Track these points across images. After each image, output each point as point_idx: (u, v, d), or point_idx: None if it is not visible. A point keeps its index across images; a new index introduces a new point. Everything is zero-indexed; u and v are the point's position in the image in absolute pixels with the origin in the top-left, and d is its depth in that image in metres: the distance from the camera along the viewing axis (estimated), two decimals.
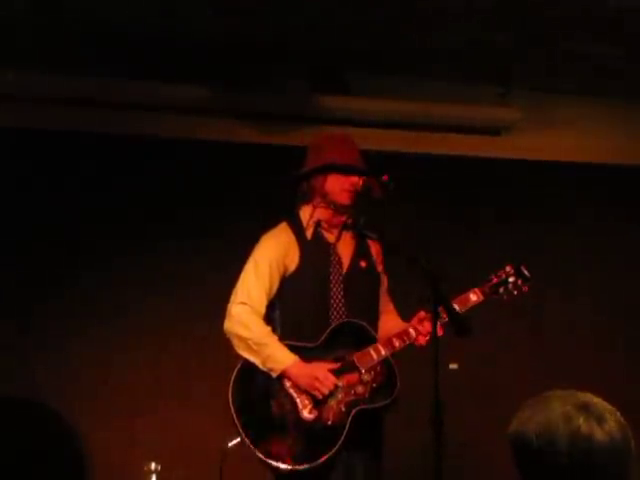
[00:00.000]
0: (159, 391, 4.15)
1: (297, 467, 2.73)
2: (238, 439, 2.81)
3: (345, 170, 2.96)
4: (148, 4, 3.72)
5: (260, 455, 2.74)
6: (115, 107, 4.27)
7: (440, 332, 2.71)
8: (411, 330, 2.92)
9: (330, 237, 3.05)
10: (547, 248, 4.64)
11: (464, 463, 4.00)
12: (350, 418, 2.79)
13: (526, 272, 3.04)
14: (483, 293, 2.99)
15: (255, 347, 2.84)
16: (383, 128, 4.57)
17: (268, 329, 2.90)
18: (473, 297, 2.98)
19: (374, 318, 3.04)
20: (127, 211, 4.29)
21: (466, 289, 3.00)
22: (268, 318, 2.97)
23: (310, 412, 2.80)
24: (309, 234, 3.01)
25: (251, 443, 2.75)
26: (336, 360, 2.87)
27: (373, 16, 3.89)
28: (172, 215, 4.31)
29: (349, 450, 2.81)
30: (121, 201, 4.30)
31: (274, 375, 2.82)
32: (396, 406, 2.89)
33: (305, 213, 3.05)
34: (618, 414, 1.42)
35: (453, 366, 4.01)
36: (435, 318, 2.60)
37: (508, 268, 3.05)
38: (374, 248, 3.12)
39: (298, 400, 2.81)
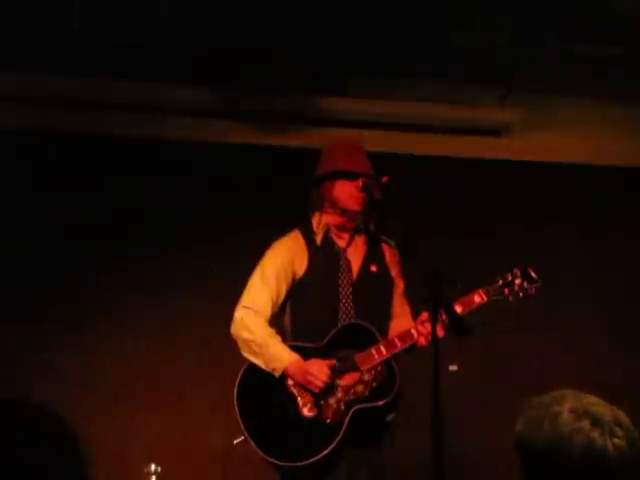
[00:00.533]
0: (159, 392, 4.15)
1: (296, 464, 2.76)
2: (242, 437, 2.84)
3: (351, 176, 2.97)
4: (148, 5, 3.72)
5: (262, 453, 2.79)
6: (115, 108, 4.27)
7: (441, 333, 2.71)
8: (413, 331, 2.92)
9: (341, 242, 3.07)
10: (547, 249, 4.63)
11: (464, 463, 3.99)
12: (348, 417, 2.81)
13: (533, 274, 3.04)
14: (487, 294, 2.99)
15: (257, 349, 2.89)
16: (383, 129, 4.57)
17: (270, 331, 2.93)
18: (477, 299, 2.98)
19: (384, 322, 3.05)
20: (127, 212, 4.29)
21: (465, 289, 3.00)
22: (279, 323, 3.01)
23: (310, 410, 2.83)
24: (319, 239, 3.04)
25: (253, 441, 2.80)
26: (338, 360, 2.88)
27: (373, 17, 3.89)
28: (172, 216, 4.31)
29: (351, 448, 2.83)
30: (121, 202, 4.30)
31: (277, 375, 2.86)
32: (397, 406, 2.90)
33: (316, 219, 3.09)
34: (628, 422, 1.41)
35: (453, 367, 4.00)
36: (434, 318, 2.59)
37: (515, 270, 3.05)
38: (388, 252, 3.13)
39: (299, 398, 2.85)
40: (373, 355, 2.87)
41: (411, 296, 3.12)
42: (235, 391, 2.86)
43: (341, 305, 2.96)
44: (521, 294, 3.02)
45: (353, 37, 4.12)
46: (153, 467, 3.07)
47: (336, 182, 3.00)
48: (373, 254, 3.09)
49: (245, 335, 2.91)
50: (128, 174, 4.33)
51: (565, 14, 3.88)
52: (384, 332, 2.99)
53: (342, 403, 2.83)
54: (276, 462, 2.78)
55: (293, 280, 3.00)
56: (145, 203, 4.32)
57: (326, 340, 2.90)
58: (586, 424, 1.38)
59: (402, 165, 4.34)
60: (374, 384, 2.87)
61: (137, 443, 4.04)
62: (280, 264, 2.98)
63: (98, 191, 4.27)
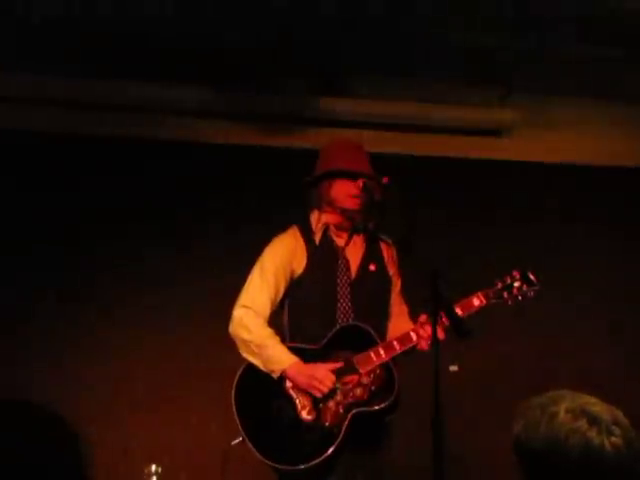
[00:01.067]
0: (160, 392, 4.15)
1: (294, 467, 2.74)
2: (240, 438, 2.82)
3: (349, 175, 2.97)
4: (149, 5, 3.72)
5: (260, 455, 2.77)
6: (115, 109, 4.27)
7: (442, 335, 2.71)
8: (412, 334, 2.91)
9: (339, 241, 3.06)
10: (547, 249, 4.63)
11: (465, 464, 3.99)
12: (347, 420, 2.79)
13: (532, 277, 3.04)
14: (486, 297, 2.99)
15: (256, 349, 2.87)
16: (383, 130, 4.57)
17: (269, 331, 2.91)
18: (476, 301, 2.97)
19: (382, 321, 3.04)
20: (128, 212, 4.29)
21: (467, 291, 3.00)
22: (277, 321, 3.00)
23: (309, 413, 2.81)
24: (317, 238, 3.04)
25: (251, 443, 2.78)
26: (337, 362, 2.87)
27: (374, 17, 3.89)
28: (173, 216, 4.32)
29: (350, 453, 2.82)
30: (122, 203, 4.30)
31: (275, 376, 2.84)
32: (395, 410, 2.89)
33: (315, 218, 3.08)
34: (625, 422, 1.41)
35: (453, 368, 4.00)
36: (435, 320, 2.59)
37: (514, 273, 3.04)
38: (386, 251, 3.13)
39: (297, 401, 2.83)
40: (372, 358, 2.86)
41: (410, 296, 3.12)
42: (233, 391, 2.84)
43: (339, 304, 2.95)
44: (520, 297, 3.02)
45: (354, 38, 4.12)
46: (153, 467, 3.06)
47: (334, 181, 3.00)
48: (372, 253, 3.08)
49: (244, 335, 2.89)
50: (128, 174, 4.33)
51: (565, 14, 3.87)
52: (382, 332, 2.99)
53: (341, 406, 2.82)
54: (275, 465, 2.76)
55: (292, 278, 2.99)
56: (145, 203, 4.32)
57: (324, 341, 2.89)
58: (583, 423, 1.39)
59: (402, 165, 4.34)
60: (373, 387, 2.86)
61: (137, 443, 4.04)
62: (279, 262, 2.97)
63: (98, 191, 4.28)
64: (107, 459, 4.04)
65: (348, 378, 2.85)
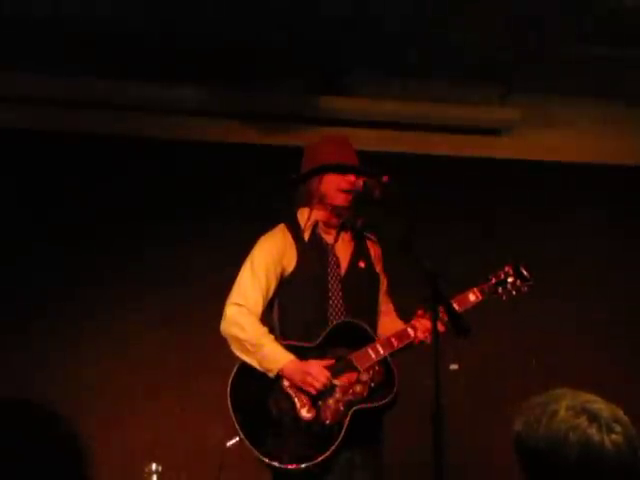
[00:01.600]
0: (159, 391, 4.15)
1: (295, 466, 2.72)
2: (237, 438, 2.79)
3: (338, 170, 2.95)
4: (148, 4, 3.72)
5: (258, 454, 2.74)
6: (115, 108, 4.27)
7: (441, 328, 2.70)
8: (409, 330, 2.91)
9: (328, 238, 3.04)
10: (547, 248, 4.63)
11: (465, 463, 3.99)
12: (348, 417, 2.78)
13: (525, 272, 3.04)
14: (482, 293, 3.00)
15: (251, 348, 2.84)
16: (383, 129, 4.58)
17: (264, 329, 2.89)
18: (472, 297, 2.98)
19: (373, 318, 3.03)
20: (127, 211, 4.30)
21: (465, 289, 3.00)
22: (267, 319, 2.97)
23: (308, 411, 2.79)
24: (306, 235, 3.01)
25: (249, 442, 2.75)
26: (336, 360, 2.86)
27: (373, 17, 3.89)
28: (172, 215, 4.31)
29: (349, 450, 2.80)
30: (121, 201, 4.31)
31: (271, 375, 2.82)
32: (395, 406, 2.89)
33: (303, 215, 3.05)
34: (626, 419, 1.41)
35: (454, 366, 4.00)
36: (435, 317, 2.59)
37: (507, 268, 3.05)
38: (373, 249, 3.12)
39: (296, 399, 2.80)
40: (370, 354, 2.85)
41: (409, 295, 3.10)
42: (228, 391, 2.80)
43: (331, 301, 2.93)
44: (514, 292, 3.02)
45: (354, 37, 4.12)
46: (154, 466, 3.06)
47: (324, 177, 2.96)
48: (360, 250, 3.07)
49: (238, 333, 2.85)
50: (128, 174, 4.33)
51: (565, 14, 3.88)
52: (373, 329, 2.97)
53: (341, 404, 2.80)
54: (276, 465, 2.72)
55: (282, 276, 2.96)
56: (145, 203, 4.33)
57: (320, 339, 2.86)
58: (583, 421, 1.38)
59: (402, 164, 4.34)
60: (372, 384, 2.85)
61: (137, 443, 4.04)
62: (270, 260, 2.94)
63: (98, 191, 4.28)
64: (107, 459, 4.03)
65: (347, 376, 2.84)
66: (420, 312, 2.92)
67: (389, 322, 3.07)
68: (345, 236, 3.07)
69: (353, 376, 2.84)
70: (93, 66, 4.17)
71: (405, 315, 3.06)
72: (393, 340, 2.89)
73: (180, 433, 4.11)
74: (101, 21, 3.89)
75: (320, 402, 2.80)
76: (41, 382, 4.03)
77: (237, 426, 2.77)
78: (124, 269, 4.25)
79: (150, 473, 3.03)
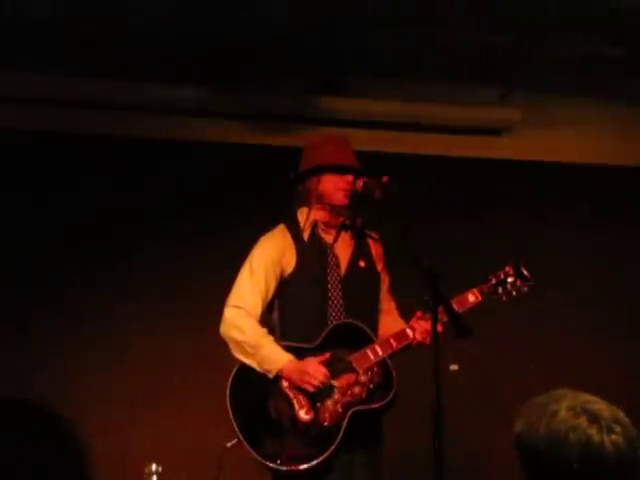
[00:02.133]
0: (159, 393, 4.15)
1: (294, 468, 2.72)
2: (236, 440, 2.80)
3: (337, 170, 2.95)
4: (147, 4, 3.72)
5: (257, 456, 2.74)
6: (115, 108, 4.27)
7: (439, 328, 2.69)
8: (408, 330, 2.90)
9: (328, 238, 3.04)
10: (547, 248, 4.63)
11: (465, 463, 3.99)
12: (347, 419, 2.78)
13: (526, 273, 3.03)
14: (481, 293, 2.99)
15: (250, 350, 2.84)
16: (383, 129, 4.57)
17: (263, 331, 2.88)
18: (471, 297, 2.97)
19: (373, 318, 3.03)
20: (127, 212, 4.29)
21: (465, 289, 2.99)
22: (266, 320, 2.97)
23: (307, 413, 2.79)
24: (306, 236, 3.01)
25: (248, 444, 2.76)
26: (333, 361, 2.85)
27: (373, 17, 3.89)
28: (172, 216, 4.31)
29: (348, 451, 2.80)
30: (121, 202, 4.30)
31: (270, 376, 2.82)
32: (393, 407, 2.88)
33: (302, 215, 3.04)
34: (626, 420, 1.41)
35: (454, 367, 4.00)
36: (435, 318, 2.59)
37: (507, 268, 3.04)
38: (374, 247, 3.11)
39: (295, 400, 2.80)
40: (369, 356, 2.85)
41: (409, 296, 3.10)
42: (227, 392, 2.80)
43: (331, 301, 2.93)
44: (514, 293, 3.01)
45: (354, 38, 4.12)
46: (154, 467, 3.06)
47: (323, 176, 2.96)
48: (360, 249, 3.07)
49: (237, 336, 2.86)
50: (128, 174, 4.33)
51: (565, 14, 3.87)
52: (373, 328, 2.97)
53: (339, 405, 2.80)
54: (274, 467, 2.73)
55: (281, 277, 2.96)
56: (145, 203, 4.32)
57: (319, 340, 2.86)
58: (583, 421, 1.38)
59: (402, 165, 4.35)
60: (371, 385, 2.85)
61: (137, 443, 4.04)
62: (269, 261, 2.94)
63: (98, 191, 4.28)
64: (107, 459, 4.03)
65: (346, 377, 2.83)
66: (419, 313, 2.92)
67: (390, 321, 3.06)
68: (345, 236, 3.06)
69: (352, 377, 2.84)
70: (93, 66, 4.17)
71: (405, 315, 3.05)
72: (392, 341, 2.88)
73: (180, 434, 4.11)
74: (101, 21, 3.89)
75: (318, 403, 2.80)
76: (41, 382, 4.03)
77: (236, 428, 2.77)
78: (124, 269, 4.24)
79: (150, 474, 3.03)
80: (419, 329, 2.88)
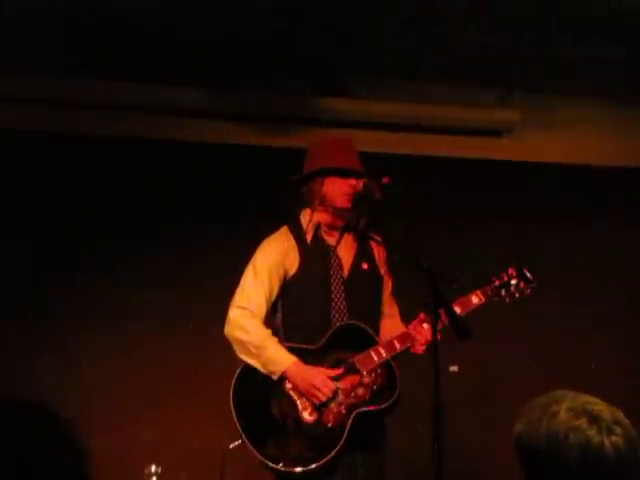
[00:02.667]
0: (159, 393, 4.15)
1: (297, 469, 2.72)
2: (239, 441, 2.80)
3: (342, 173, 2.95)
4: (147, 5, 3.72)
5: (260, 457, 2.74)
6: (115, 109, 4.27)
7: (439, 325, 2.69)
8: (412, 332, 2.91)
9: (331, 240, 3.04)
10: (547, 249, 4.63)
11: (465, 464, 4.00)
12: (350, 421, 2.78)
13: (529, 274, 3.03)
14: (485, 295, 2.99)
15: (254, 350, 2.84)
16: (383, 130, 4.57)
17: (267, 332, 2.89)
18: (475, 299, 2.97)
19: (376, 320, 3.03)
20: (127, 213, 4.29)
21: (467, 291, 2.99)
22: (270, 321, 2.98)
23: (310, 414, 2.79)
24: (309, 238, 3.01)
25: (252, 445, 2.75)
26: (337, 362, 2.86)
27: (373, 17, 3.89)
28: (172, 217, 4.32)
29: (351, 452, 2.80)
30: (121, 203, 4.30)
31: (274, 378, 2.82)
32: (396, 408, 2.88)
33: (305, 217, 3.05)
34: (626, 422, 1.41)
35: (453, 368, 4.01)
36: (435, 320, 2.58)
37: (510, 270, 3.04)
38: (377, 250, 3.11)
39: (298, 402, 2.80)
40: (372, 357, 2.85)
41: (409, 296, 3.10)
42: (231, 393, 2.80)
43: (333, 304, 2.93)
44: (517, 295, 3.01)
45: (354, 38, 4.12)
46: (153, 468, 3.06)
47: (326, 179, 2.96)
48: (363, 252, 3.07)
49: (241, 336, 2.86)
50: (128, 175, 4.33)
51: (565, 14, 3.87)
52: (375, 331, 2.97)
53: (343, 407, 2.80)
54: (278, 468, 2.72)
55: (285, 278, 2.96)
56: (145, 203, 4.32)
57: (323, 341, 2.87)
58: (583, 422, 1.39)
59: (402, 166, 4.35)
60: (375, 387, 2.85)
61: (137, 443, 4.04)
62: (272, 262, 2.94)
63: (98, 191, 4.28)
64: (107, 459, 4.03)
65: (349, 379, 2.84)
66: (421, 317, 2.92)
67: (391, 325, 3.07)
68: (348, 238, 3.07)
69: (355, 379, 2.84)
70: (93, 66, 4.17)
71: (408, 318, 3.05)
72: (395, 343, 2.88)
73: (180, 434, 4.11)
74: (101, 21, 3.88)
75: (322, 405, 2.80)
76: (41, 382, 4.03)
77: (239, 429, 2.77)
78: (124, 269, 4.24)
79: (150, 474, 3.03)
80: (421, 340, 2.88)
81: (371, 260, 3.07)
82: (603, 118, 4.92)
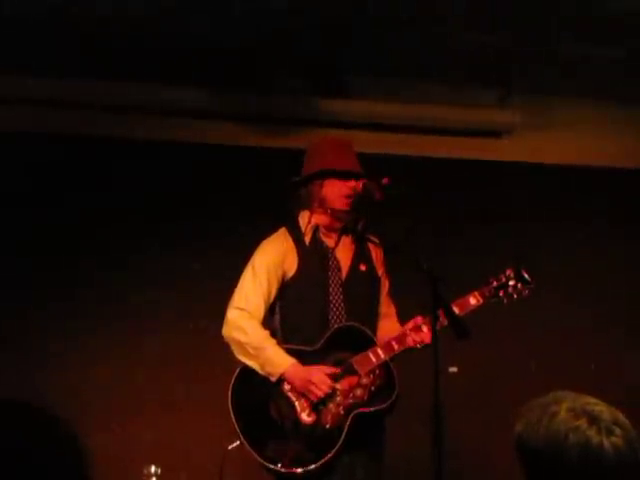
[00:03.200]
0: (159, 393, 4.15)
1: (295, 470, 2.73)
2: (238, 442, 2.80)
3: (340, 175, 2.95)
4: (148, 5, 3.72)
5: (259, 458, 2.75)
6: (115, 110, 4.27)
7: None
8: (409, 333, 2.91)
9: (329, 242, 3.04)
10: (547, 250, 4.63)
11: (464, 465, 3.99)
12: (349, 421, 2.79)
13: (527, 276, 3.03)
14: (483, 296, 2.99)
15: (253, 351, 2.85)
16: (383, 131, 4.57)
17: (266, 333, 2.89)
18: (473, 300, 2.97)
19: (373, 322, 3.04)
20: (128, 213, 4.30)
21: (465, 292, 2.99)
22: (268, 323, 2.98)
23: (309, 415, 2.80)
24: (307, 239, 3.01)
25: (250, 446, 2.76)
26: (335, 363, 2.87)
27: (373, 17, 3.89)
28: (173, 218, 4.32)
29: (350, 452, 2.81)
30: (122, 203, 4.31)
31: (273, 379, 2.82)
32: (395, 409, 2.88)
33: (304, 218, 3.05)
34: (626, 422, 1.41)
35: (453, 369, 4.01)
36: (435, 320, 2.58)
37: (508, 271, 3.04)
38: (375, 252, 3.12)
39: (297, 403, 2.81)
40: (371, 358, 2.85)
41: (409, 297, 3.10)
42: (229, 395, 2.81)
43: (331, 305, 2.93)
44: (515, 296, 3.01)
45: (354, 38, 4.12)
46: (153, 468, 3.06)
47: (325, 181, 2.97)
48: (361, 253, 3.07)
49: (240, 337, 2.87)
50: (128, 175, 4.33)
51: (565, 14, 3.87)
52: (373, 332, 2.98)
53: (341, 408, 2.81)
54: (276, 469, 2.73)
55: (283, 280, 2.97)
56: (145, 203, 4.32)
57: (321, 342, 2.87)
58: (583, 422, 1.39)
59: (402, 167, 4.34)
60: (373, 388, 2.85)
61: (137, 444, 4.04)
62: (271, 264, 2.95)
63: (98, 192, 4.28)
64: (107, 459, 4.04)
65: (348, 380, 2.84)
66: (418, 319, 2.92)
67: (389, 325, 3.07)
68: (346, 240, 3.07)
69: (354, 380, 2.85)
70: (92, 67, 4.17)
71: (405, 319, 3.05)
72: (394, 344, 2.89)
73: (180, 435, 4.11)
74: (101, 21, 3.88)
75: (321, 406, 2.81)
76: (41, 383, 4.03)
77: (238, 430, 2.78)
78: (124, 270, 4.24)
79: (149, 475, 3.03)
80: (417, 340, 2.88)
81: (369, 262, 3.08)
82: (603, 118, 4.91)
